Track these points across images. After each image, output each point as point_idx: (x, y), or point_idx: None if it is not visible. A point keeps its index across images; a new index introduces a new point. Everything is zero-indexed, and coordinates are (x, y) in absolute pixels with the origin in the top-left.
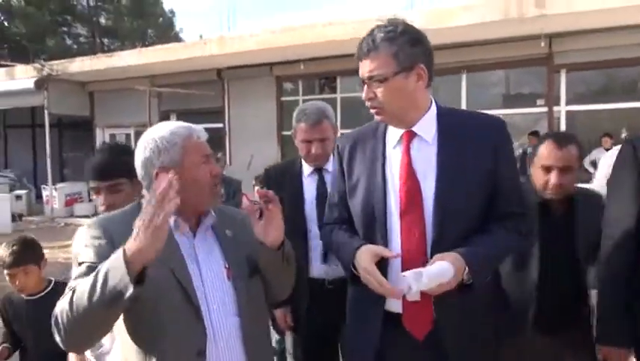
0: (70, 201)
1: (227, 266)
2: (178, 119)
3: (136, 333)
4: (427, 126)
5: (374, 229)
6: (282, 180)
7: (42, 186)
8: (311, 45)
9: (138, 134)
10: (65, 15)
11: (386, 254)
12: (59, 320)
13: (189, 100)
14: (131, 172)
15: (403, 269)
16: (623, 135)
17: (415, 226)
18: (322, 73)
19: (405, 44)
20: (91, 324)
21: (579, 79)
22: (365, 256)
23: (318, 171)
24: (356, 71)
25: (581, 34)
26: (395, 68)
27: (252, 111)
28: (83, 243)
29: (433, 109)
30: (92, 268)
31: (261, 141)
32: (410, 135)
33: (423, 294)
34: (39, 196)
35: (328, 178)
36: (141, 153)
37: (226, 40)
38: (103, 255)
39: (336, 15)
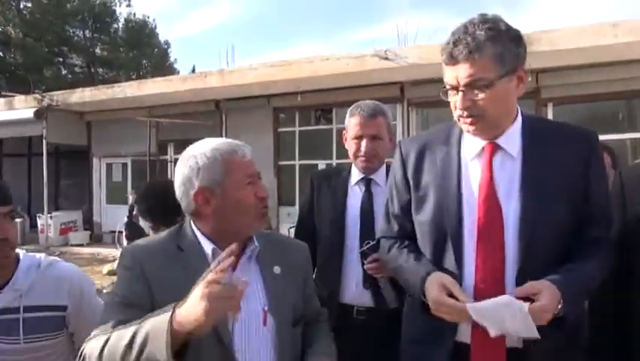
0: (65, 229)
1: (265, 308)
2: (176, 149)
3: None
4: (513, 139)
5: (444, 252)
6: (325, 185)
7: (37, 214)
8: (308, 79)
9: (135, 164)
10: (62, 46)
11: (457, 294)
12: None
13: (187, 130)
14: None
15: (476, 299)
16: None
17: (494, 252)
18: (318, 105)
19: (510, 43)
20: None
21: (565, 112)
22: (436, 286)
23: (367, 181)
24: (348, 104)
25: (565, 70)
26: (501, 70)
27: (249, 141)
28: (117, 270)
29: (519, 119)
30: (123, 305)
31: None
32: (494, 148)
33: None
34: (33, 225)
35: (377, 191)
36: (180, 170)
37: (225, 74)
38: (132, 290)
39: (331, 51)
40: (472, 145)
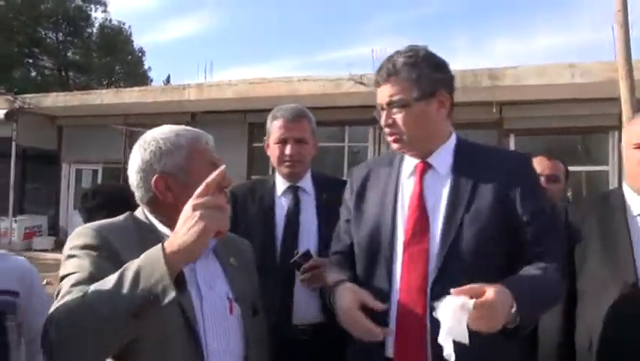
0: (29, 234)
1: (230, 297)
2: None
3: None
4: (443, 158)
5: (378, 261)
6: (249, 200)
7: (0, 217)
8: (285, 97)
9: (105, 171)
10: (33, 47)
11: (371, 304)
12: (56, 326)
13: None
14: None
15: (400, 309)
16: (569, 194)
17: (418, 261)
18: None
19: (426, 69)
20: (100, 338)
21: (526, 143)
22: (348, 297)
23: (294, 190)
24: (324, 124)
25: (527, 104)
26: (416, 93)
27: (223, 154)
28: (69, 253)
29: (452, 140)
30: (91, 279)
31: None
32: (424, 166)
33: (415, 335)
34: None
35: (305, 199)
36: (139, 155)
37: (204, 88)
38: (100, 268)
39: (308, 69)
40: (408, 165)
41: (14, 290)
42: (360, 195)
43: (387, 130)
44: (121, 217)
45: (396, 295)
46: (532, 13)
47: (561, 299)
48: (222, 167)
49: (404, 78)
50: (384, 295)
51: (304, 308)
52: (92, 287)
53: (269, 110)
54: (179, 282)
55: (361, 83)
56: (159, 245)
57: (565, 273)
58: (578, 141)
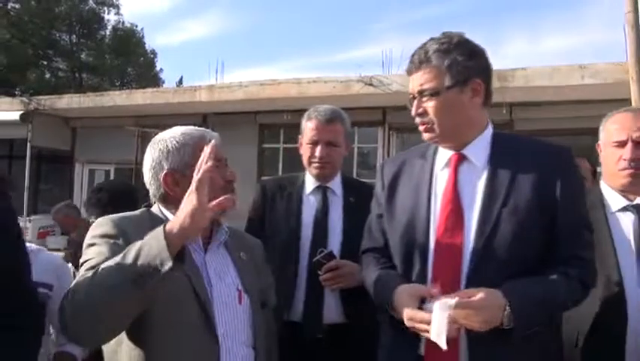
0: (43, 233)
1: (239, 288)
2: None
3: (146, 350)
4: (479, 150)
5: (413, 253)
6: (278, 195)
7: None
8: (295, 99)
9: (118, 171)
10: (48, 50)
11: (424, 293)
12: (69, 300)
13: None
14: None
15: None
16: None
17: (451, 255)
18: None
19: (460, 56)
20: (107, 307)
21: None
22: (405, 299)
23: (322, 190)
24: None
25: (538, 105)
26: (448, 81)
27: (234, 155)
28: (89, 242)
29: (489, 131)
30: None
31: (239, 185)
32: (459, 158)
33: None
34: None
35: (334, 200)
36: (150, 154)
37: (215, 89)
38: (118, 253)
39: (318, 70)
40: (443, 156)
41: (50, 283)
42: (393, 189)
43: (418, 120)
44: (137, 211)
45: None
46: (543, 14)
47: (577, 304)
48: (212, 142)
49: (436, 66)
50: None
51: (334, 308)
52: (101, 266)
53: (279, 112)
54: (180, 258)
55: (370, 85)
56: (160, 227)
57: (591, 280)
58: (588, 141)
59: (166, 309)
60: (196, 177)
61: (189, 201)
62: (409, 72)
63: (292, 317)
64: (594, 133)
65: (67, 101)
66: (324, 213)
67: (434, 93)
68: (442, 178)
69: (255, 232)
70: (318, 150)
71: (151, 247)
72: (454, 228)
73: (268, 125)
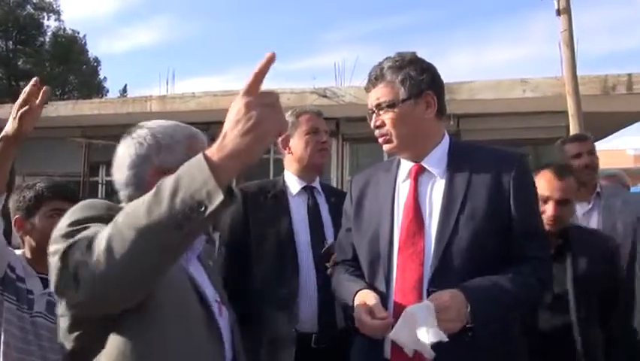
0: None
1: (217, 300)
2: (107, 170)
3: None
4: (437, 160)
5: (378, 265)
6: (261, 199)
7: None
8: None
9: None
10: None
11: (376, 311)
12: (89, 252)
13: None
14: None
15: (395, 310)
16: None
17: (412, 263)
18: None
19: (412, 72)
20: (140, 256)
21: None
22: (358, 305)
23: (310, 190)
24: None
25: (482, 116)
26: (403, 94)
27: None
28: (66, 224)
29: (446, 142)
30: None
31: None
32: (418, 169)
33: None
34: None
35: (321, 201)
36: (132, 149)
37: (167, 100)
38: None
39: (271, 80)
40: (404, 169)
41: None
42: (360, 203)
43: (377, 132)
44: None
45: (392, 297)
46: (488, 28)
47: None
48: (272, 52)
49: (390, 81)
50: (383, 298)
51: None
52: (122, 212)
53: None
54: (230, 192)
55: (324, 97)
56: (200, 154)
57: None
58: (529, 151)
59: (174, 309)
60: (267, 94)
61: (253, 126)
62: (367, 89)
63: (302, 327)
64: (535, 143)
65: (5, 112)
66: (316, 211)
67: (390, 105)
68: (404, 189)
69: (239, 240)
70: (323, 136)
71: (191, 178)
72: (415, 235)
73: None
